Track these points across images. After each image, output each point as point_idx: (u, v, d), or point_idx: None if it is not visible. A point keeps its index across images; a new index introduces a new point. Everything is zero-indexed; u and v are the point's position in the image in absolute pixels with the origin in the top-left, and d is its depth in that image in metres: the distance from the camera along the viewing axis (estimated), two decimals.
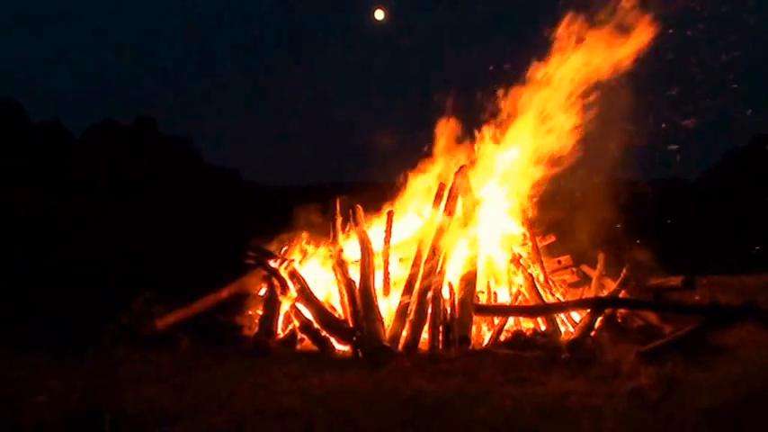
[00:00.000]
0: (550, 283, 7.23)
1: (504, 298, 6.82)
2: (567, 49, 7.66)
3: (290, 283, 6.64)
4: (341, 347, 5.76)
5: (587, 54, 7.54)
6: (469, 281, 6.23)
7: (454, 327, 5.57)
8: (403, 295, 6.01)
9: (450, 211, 6.96)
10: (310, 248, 7.61)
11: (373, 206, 7.97)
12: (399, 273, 6.74)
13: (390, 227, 7.14)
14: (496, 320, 6.24)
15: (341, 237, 7.41)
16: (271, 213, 9.86)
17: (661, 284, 7.09)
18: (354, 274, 6.53)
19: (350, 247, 7.24)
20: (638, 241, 7.95)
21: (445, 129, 8.22)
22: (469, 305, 5.89)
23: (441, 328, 5.63)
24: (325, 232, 7.65)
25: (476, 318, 6.00)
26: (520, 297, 6.68)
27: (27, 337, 5.77)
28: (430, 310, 5.78)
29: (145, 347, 5.35)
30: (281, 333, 6.19)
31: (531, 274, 6.81)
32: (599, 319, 5.92)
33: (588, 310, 5.91)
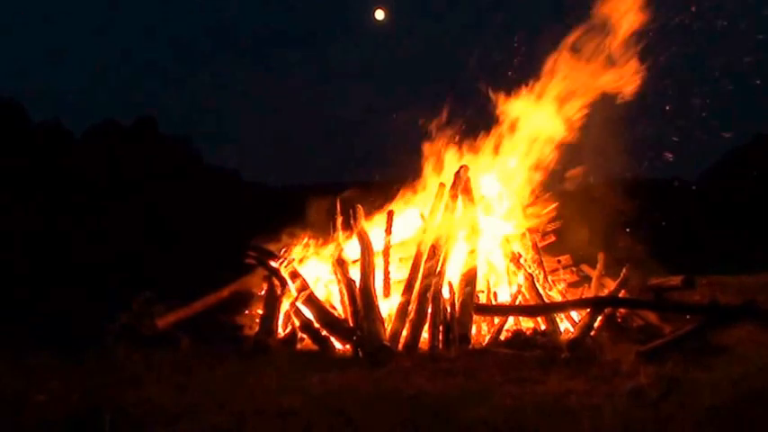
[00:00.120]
0: (550, 282, 7.23)
1: (504, 297, 6.82)
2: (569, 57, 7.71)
3: (290, 283, 6.64)
4: (341, 347, 5.76)
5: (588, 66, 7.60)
6: (469, 280, 6.23)
7: (454, 326, 5.57)
8: (403, 295, 6.02)
9: (450, 210, 6.96)
10: (311, 248, 7.61)
11: (374, 206, 7.97)
12: (399, 273, 6.74)
13: (390, 226, 7.14)
14: (496, 320, 6.25)
15: (341, 236, 7.41)
16: (271, 213, 9.86)
17: (661, 284, 7.10)
18: (355, 273, 6.53)
19: (350, 247, 7.24)
20: (637, 242, 7.96)
21: (445, 129, 8.23)
22: (469, 304, 5.89)
23: (441, 328, 5.63)
24: (325, 232, 7.65)
25: (476, 317, 6.00)
26: (519, 297, 6.69)
27: (27, 337, 5.76)
28: (430, 310, 5.78)
29: (145, 347, 5.33)
30: (281, 332, 6.20)
31: (531, 274, 6.81)
32: (599, 318, 5.93)
33: (588, 310, 5.92)
